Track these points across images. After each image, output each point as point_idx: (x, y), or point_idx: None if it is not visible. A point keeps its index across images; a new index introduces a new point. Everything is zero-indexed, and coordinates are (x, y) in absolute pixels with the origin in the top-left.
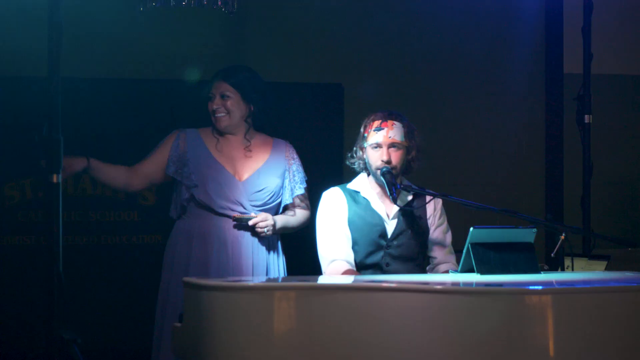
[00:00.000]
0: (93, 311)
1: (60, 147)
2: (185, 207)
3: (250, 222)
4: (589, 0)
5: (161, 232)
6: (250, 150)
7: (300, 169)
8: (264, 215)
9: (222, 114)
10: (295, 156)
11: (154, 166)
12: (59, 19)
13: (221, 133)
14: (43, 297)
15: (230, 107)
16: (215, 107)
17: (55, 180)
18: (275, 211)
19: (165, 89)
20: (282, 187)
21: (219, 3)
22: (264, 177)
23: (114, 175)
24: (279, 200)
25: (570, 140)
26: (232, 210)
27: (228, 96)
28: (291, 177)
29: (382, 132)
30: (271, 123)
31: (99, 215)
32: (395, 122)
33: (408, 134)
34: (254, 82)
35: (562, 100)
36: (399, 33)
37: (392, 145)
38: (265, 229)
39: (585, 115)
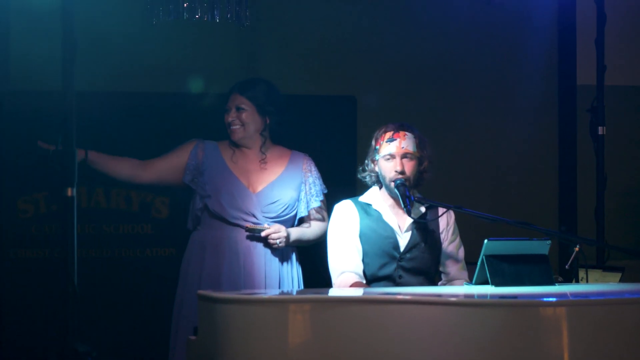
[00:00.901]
0: (107, 324)
1: (74, 160)
2: (199, 217)
3: (263, 234)
4: (602, 12)
5: (175, 245)
6: (265, 163)
7: (318, 181)
8: (276, 226)
9: (237, 126)
10: (314, 168)
11: (167, 165)
12: (72, 33)
13: (237, 145)
14: (58, 311)
15: (245, 119)
16: (230, 119)
17: (69, 193)
18: (290, 223)
19: (178, 102)
20: (297, 199)
21: (232, 17)
22: (278, 190)
23: (117, 166)
24: (293, 212)
25: (584, 151)
26: (245, 220)
27: (243, 109)
28: (307, 189)
29: (395, 143)
30: (284, 135)
31: (112, 229)
32: (407, 132)
33: (420, 144)
34: (271, 95)
35: (576, 111)
36: (410, 46)
37: (405, 155)
38: (278, 241)
39: (599, 127)
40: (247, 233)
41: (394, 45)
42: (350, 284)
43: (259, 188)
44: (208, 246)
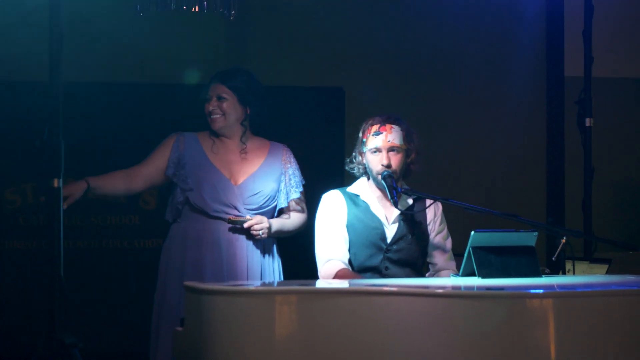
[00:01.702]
0: (94, 315)
1: (61, 152)
2: (180, 210)
3: (245, 225)
4: (590, 4)
5: (162, 236)
6: (245, 153)
7: (297, 172)
8: (259, 217)
9: (218, 115)
10: (293, 160)
11: (153, 168)
12: (59, 24)
13: (217, 135)
14: (44, 302)
15: (226, 109)
16: (211, 108)
17: (56, 184)
18: (270, 214)
19: (166, 92)
20: (277, 190)
21: (220, 8)
22: (259, 181)
23: (114, 186)
24: (274, 203)
25: (571, 143)
26: (227, 213)
27: (224, 98)
28: (287, 180)
29: (381, 137)
30: (272, 127)
31: (100, 220)
32: (393, 125)
33: (407, 137)
34: (251, 85)
35: (563, 103)
36: (399, 37)
37: (391, 149)
38: (260, 232)
39: (586, 119)
40: (230, 225)
41: (383, 37)
42: (336, 270)
43: (241, 180)
44: (189, 239)
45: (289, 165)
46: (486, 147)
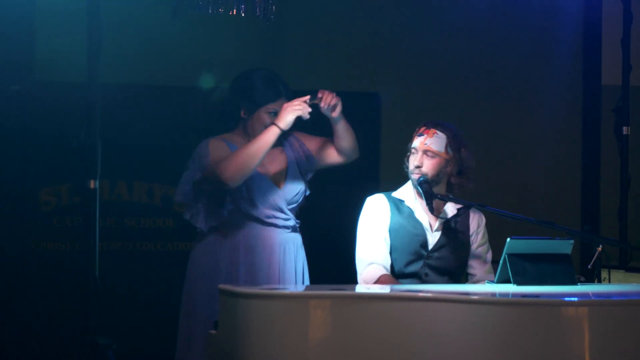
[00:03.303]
0: (128, 317)
1: (98, 153)
2: (225, 217)
3: (322, 102)
4: (629, 11)
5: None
6: (273, 155)
7: (307, 150)
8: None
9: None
10: (300, 140)
11: None
12: (98, 25)
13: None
14: (79, 303)
15: None
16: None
17: (92, 185)
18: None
19: (203, 96)
20: (304, 179)
21: (258, 12)
22: (296, 181)
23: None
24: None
25: (608, 151)
26: (276, 217)
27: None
28: (305, 168)
29: (421, 138)
30: (309, 132)
31: (134, 222)
32: (437, 131)
33: (450, 145)
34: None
35: (600, 111)
36: (436, 43)
37: (426, 152)
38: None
39: (623, 127)
40: (279, 230)
41: (419, 42)
42: (377, 276)
43: (282, 182)
44: (243, 245)
45: (302, 150)
46: (522, 155)
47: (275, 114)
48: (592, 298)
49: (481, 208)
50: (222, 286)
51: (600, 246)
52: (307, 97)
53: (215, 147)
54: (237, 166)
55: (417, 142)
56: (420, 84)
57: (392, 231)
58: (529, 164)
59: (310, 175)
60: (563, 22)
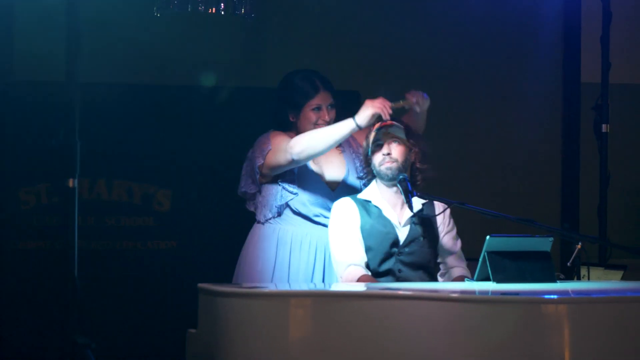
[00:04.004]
0: (107, 316)
1: (77, 152)
2: (280, 211)
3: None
4: (608, 10)
5: (176, 238)
6: (331, 157)
7: (359, 148)
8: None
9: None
10: (357, 141)
11: None
12: (76, 25)
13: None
14: (58, 302)
15: (333, 116)
16: (327, 118)
17: (71, 184)
18: None
19: (182, 94)
20: (358, 185)
21: (237, 10)
22: (350, 188)
23: None
24: None
25: (587, 149)
26: (325, 217)
27: (333, 107)
28: (356, 163)
29: (382, 130)
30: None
31: (114, 221)
32: (394, 122)
33: (408, 133)
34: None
35: (580, 109)
36: (415, 42)
37: (392, 139)
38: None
39: (603, 125)
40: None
41: (399, 41)
42: (357, 277)
43: (335, 187)
44: (294, 241)
45: (356, 149)
46: (502, 152)
47: (319, 109)
48: (572, 295)
49: (461, 206)
50: (201, 285)
51: (580, 244)
52: (393, 103)
53: (276, 136)
54: (308, 142)
55: (380, 135)
56: (400, 83)
57: (363, 231)
58: (509, 161)
59: (364, 182)
60: (543, 21)
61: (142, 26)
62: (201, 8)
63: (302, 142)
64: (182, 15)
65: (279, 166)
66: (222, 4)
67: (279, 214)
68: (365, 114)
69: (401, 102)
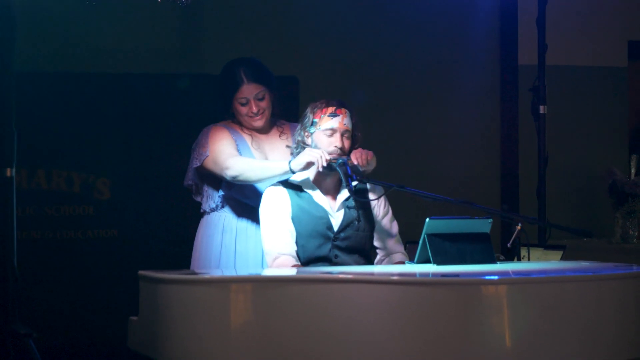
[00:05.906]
0: (48, 306)
1: (14, 141)
2: (222, 200)
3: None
4: None
5: (117, 226)
6: (274, 143)
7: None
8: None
9: (259, 116)
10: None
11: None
12: (10, 13)
13: (246, 129)
14: None
15: (264, 106)
16: (255, 110)
17: (8, 174)
18: None
19: (119, 82)
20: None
21: None
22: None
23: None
24: None
25: (526, 131)
26: None
27: (262, 97)
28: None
29: (338, 119)
30: (225, 115)
31: (53, 210)
32: (347, 110)
33: (355, 123)
34: (270, 72)
35: (517, 91)
36: (354, 27)
37: (344, 132)
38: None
39: (540, 106)
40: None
41: (336, 26)
42: (287, 266)
43: None
44: (239, 229)
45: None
46: (440, 135)
47: (247, 103)
48: (512, 276)
49: (400, 189)
50: (141, 272)
51: (520, 225)
52: (332, 156)
53: (216, 135)
54: (243, 170)
55: (335, 123)
56: (338, 68)
57: (295, 219)
58: (447, 144)
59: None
60: (479, 4)
61: (78, 14)
62: None
63: (237, 168)
64: (117, 2)
65: (215, 174)
66: None
67: (223, 204)
68: (300, 160)
69: (341, 160)
